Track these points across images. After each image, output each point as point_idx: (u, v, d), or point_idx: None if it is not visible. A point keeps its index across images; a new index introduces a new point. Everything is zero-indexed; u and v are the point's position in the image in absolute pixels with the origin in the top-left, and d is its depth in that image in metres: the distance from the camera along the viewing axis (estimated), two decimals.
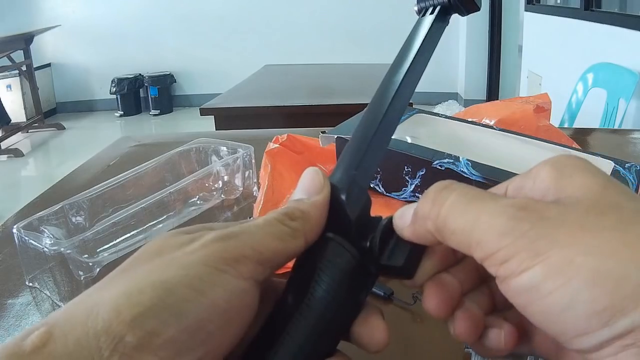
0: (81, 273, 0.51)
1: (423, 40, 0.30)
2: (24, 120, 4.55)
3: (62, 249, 0.49)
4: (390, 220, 0.24)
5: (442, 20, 0.31)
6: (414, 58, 0.29)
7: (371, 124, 0.28)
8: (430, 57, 0.30)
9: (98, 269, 0.52)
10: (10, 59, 4.25)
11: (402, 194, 0.65)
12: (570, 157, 0.21)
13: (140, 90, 5.17)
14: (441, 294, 0.23)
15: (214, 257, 0.20)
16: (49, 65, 5.18)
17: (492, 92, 4.66)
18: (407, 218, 0.23)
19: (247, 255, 0.21)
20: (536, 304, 0.18)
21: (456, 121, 0.73)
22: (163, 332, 0.17)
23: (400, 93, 0.28)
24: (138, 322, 0.17)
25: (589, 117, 2.33)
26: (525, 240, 0.18)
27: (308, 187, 0.24)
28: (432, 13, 0.31)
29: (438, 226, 0.21)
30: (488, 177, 0.56)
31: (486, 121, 0.77)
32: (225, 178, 0.71)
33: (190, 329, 0.18)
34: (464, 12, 0.31)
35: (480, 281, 0.25)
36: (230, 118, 1.84)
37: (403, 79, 0.29)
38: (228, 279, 0.20)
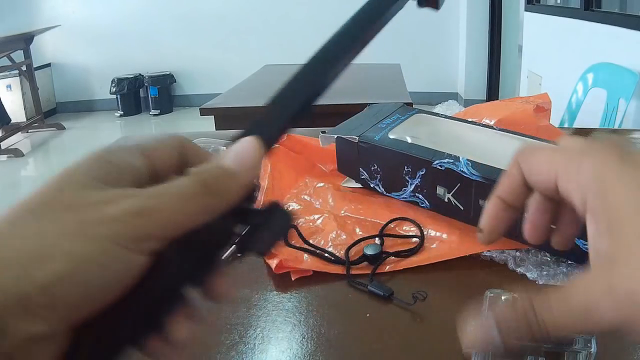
0: None
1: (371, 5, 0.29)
2: (24, 120, 4.55)
3: None
4: (279, 215, 0.25)
5: None
6: (352, 22, 0.29)
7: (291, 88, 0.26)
8: (377, 28, 0.30)
9: None
10: (10, 59, 4.25)
11: (402, 194, 0.65)
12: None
13: (140, 90, 5.16)
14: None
15: (124, 235, 0.21)
16: (49, 65, 5.18)
17: (492, 92, 4.66)
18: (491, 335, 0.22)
19: (156, 235, 0.21)
20: None
21: (456, 121, 0.73)
22: (66, 299, 0.20)
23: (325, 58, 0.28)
24: (46, 289, 0.19)
25: (589, 117, 2.33)
26: None
27: (242, 159, 0.24)
28: None
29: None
30: (488, 177, 0.56)
31: (486, 121, 0.77)
32: None
33: (89, 297, 0.20)
34: (422, 3, 0.30)
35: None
36: (230, 118, 1.84)
37: (331, 45, 0.28)
38: (131, 256, 0.21)
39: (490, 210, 0.27)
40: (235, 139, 0.24)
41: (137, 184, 0.23)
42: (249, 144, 0.24)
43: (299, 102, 0.26)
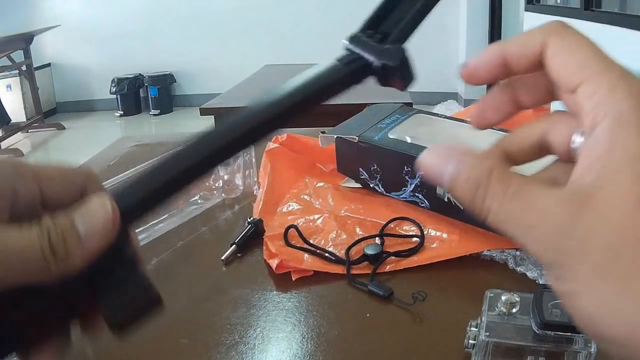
0: None
1: (318, 82, 0.25)
2: (24, 120, 4.55)
3: None
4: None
5: (354, 76, 0.26)
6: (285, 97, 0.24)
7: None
8: (312, 106, 0.25)
9: None
10: (10, 59, 4.25)
11: (401, 194, 0.65)
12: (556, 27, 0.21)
13: (140, 90, 5.16)
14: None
15: None
16: (49, 65, 5.18)
17: None
18: (444, 170, 0.21)
19: None
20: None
21: (456, 121, 0.73)
22: None
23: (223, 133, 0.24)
24: None
25: None
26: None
27: (92, 224, 0.21)
28: (348, 63, 0.26)
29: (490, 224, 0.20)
30: None
31: None
32: (226, 177, 0.71)
33: None
34: (383, 82, 0.26)
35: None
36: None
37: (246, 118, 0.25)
38: None
39: (487, 55, 0.23)
40: (90, 196, 0.22)
41: (10, 208, 0.21)
42: (102, 210, 0.21)
43: (172, 179, 0.22)
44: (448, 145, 0.21)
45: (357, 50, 0.26)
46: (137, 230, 0.58)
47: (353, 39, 0.27)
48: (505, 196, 0.19)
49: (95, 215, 0.21)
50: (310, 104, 0.24)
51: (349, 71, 0.26)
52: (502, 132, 0.68)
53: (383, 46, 0.25)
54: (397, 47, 0.25)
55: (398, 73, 0.24)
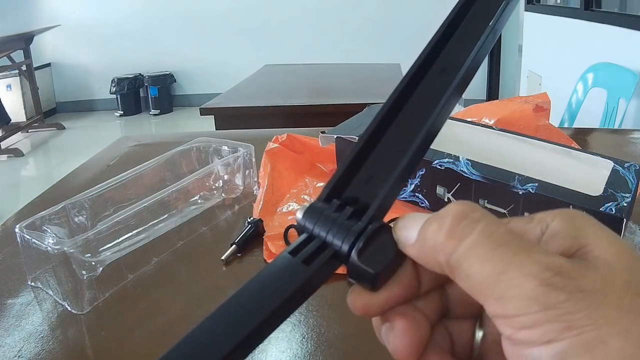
0: (84, 272, 0.51)
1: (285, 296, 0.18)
2: (24, 120, 4.55)
3: (65, 248, 0.49)
4: (382, 225, 0.20)
5: (320, 276, 0.19)
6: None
7: None
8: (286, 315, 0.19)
9: (101, 268, 0.52)
10: (10, 59, 4.25)
11: (401, 194, 0.65)
12: (576, 212, 0.20)
13: (140, 90, 5.17)
14: (414, 334, 0.21)
15: None
16: (49, 65, 5.18)
17: (492, 92, 4.66)
18: (412, 234, 0.20)
19: None
20: None
21: (456, 121, 0.73)
22: None
23: None
24: None
25: (589, 117, 2.33)
26: (559, 312, 0.17)
27: None
28: (308, 259, 0.19)
29: (451, 263, 0.19)
30: (487, 177, 0.56)
31: (485, 121, 0.77)
32: (226, 177, 0.71)
33: None
34: (353, 276, 0.20)
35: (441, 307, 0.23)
36: (230, 118, 1.84)
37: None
38: None
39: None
40: None
41: None
42: None
43: None
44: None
45: (320, 232, 0.20)
46: (137, 230, 0.58)
47: (312, 214, 0.20)
48: None
49: None
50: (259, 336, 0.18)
51: (313, 272, 0.19)
52: (502, 132, 0.68)
53: (356, 226, 0.20)
54: (380, 243, 0.20)
55: (376, 278, 0.19)
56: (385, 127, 0.22)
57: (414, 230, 0.20)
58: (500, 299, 0.17)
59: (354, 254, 0.19)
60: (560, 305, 0.17)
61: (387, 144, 0.22)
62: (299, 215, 0.20)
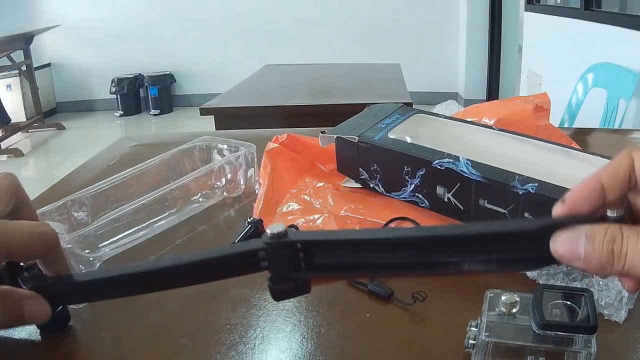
0: (82, 267, 0.51)
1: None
2: (24, 120, 4.55)
3: (63, 243, 0.49)
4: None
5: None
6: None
7: None
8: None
9: (99, 264, 0.52)
10: (10, 59, 4.25)
11: (401, 194, 0.65)
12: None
13: (140, 90, 5.17)
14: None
15: None
16: (49, 65, 5.18)
17: (492, 92, 4.66)
18: (579, 252, 0.24)
19: None
20: None
21: (456, 121, 0.73)
22: None
23: None
24: None
25: (589, 117, 2.33)
26: None
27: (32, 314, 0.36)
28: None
29: (623, 272, 0.23)
30: (488, 177, 0.56)
31: (485, 121, 0.77)
32: (228, 176, 0.71)
33: None
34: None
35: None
36: (230, 118, 1.84)
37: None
38: None
39: (584, 187, 0.26)
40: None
41: None
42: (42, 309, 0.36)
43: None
44: (572, 232, 0.25)
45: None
46: (137, 227, 0.58)
47: None
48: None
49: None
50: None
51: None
52: (502, 132, 0.68)
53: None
54: None
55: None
56: None
57: (579, 250, 0.25)
58: None
59: None
60: None
61: None
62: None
